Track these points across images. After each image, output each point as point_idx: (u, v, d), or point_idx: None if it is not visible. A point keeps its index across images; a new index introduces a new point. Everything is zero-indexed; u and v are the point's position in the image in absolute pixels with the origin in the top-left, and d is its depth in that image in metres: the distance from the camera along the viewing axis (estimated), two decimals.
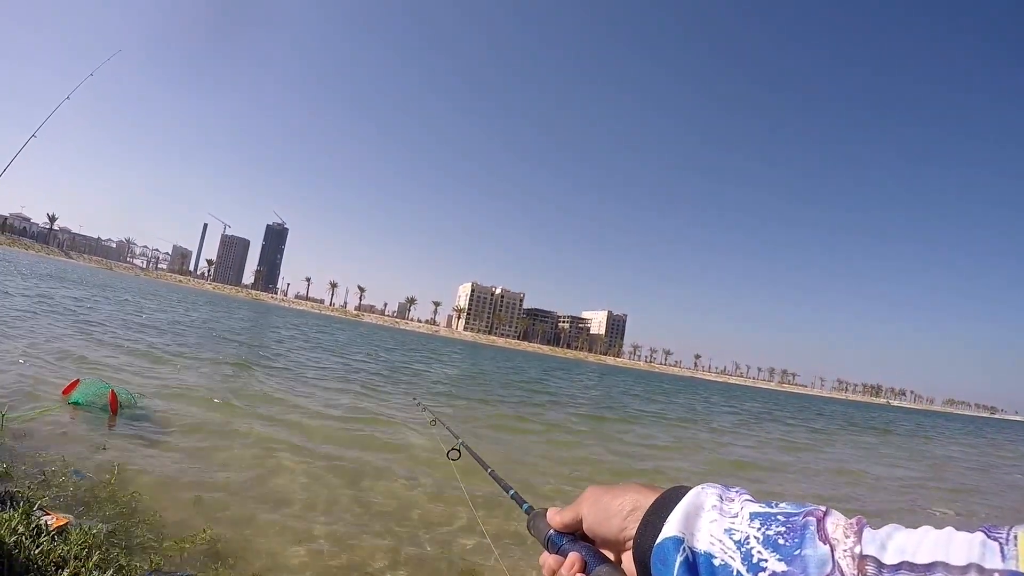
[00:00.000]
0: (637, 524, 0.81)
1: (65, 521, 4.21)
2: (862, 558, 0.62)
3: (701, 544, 0.73)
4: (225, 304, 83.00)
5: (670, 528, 0.75)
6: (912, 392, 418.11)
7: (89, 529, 4.20)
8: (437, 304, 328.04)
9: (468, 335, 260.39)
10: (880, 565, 0.60)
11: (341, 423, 10.92)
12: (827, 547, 0.64)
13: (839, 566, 0.62)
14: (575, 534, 0.95)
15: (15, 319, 16.91)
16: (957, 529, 0.60)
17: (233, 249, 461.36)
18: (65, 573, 3.49)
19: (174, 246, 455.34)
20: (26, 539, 3.64)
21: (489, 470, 1.77)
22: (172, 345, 18.60)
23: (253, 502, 6.12)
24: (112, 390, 8.48)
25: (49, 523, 4.09)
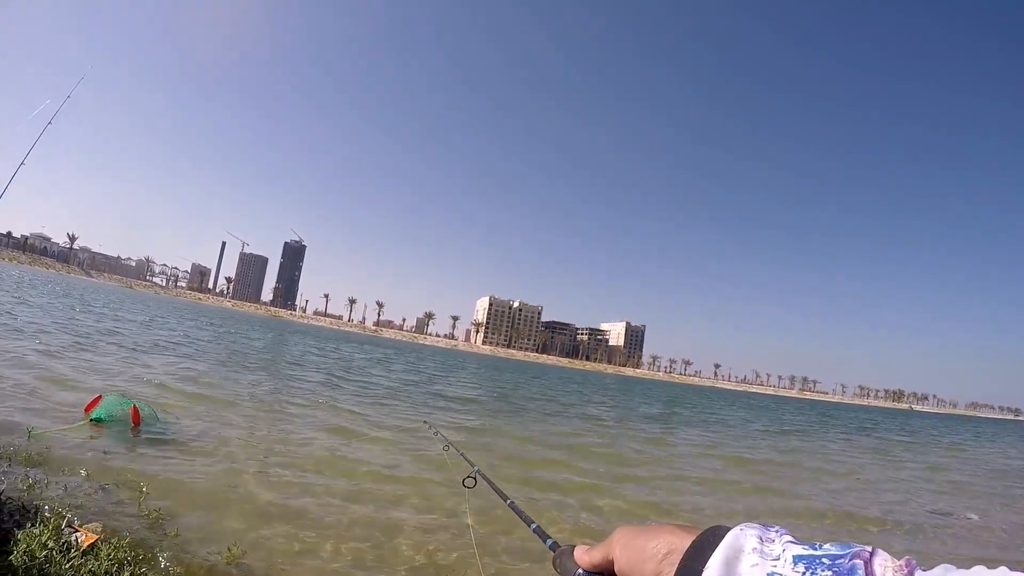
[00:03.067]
0: (674, 568, 0.77)
1: (95, 538, 4.22)
2: None
3: None
4: (259, 324, 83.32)
5: (710, 573, 0.71)
6: (935, 396, 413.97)
7: (118, 544, 4.21)
8: (455, 318, 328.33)
9: (487, 349, 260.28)
10: None
11: (371, 442, 10.92)
12: None
13: None
14: (604, 575, 0.91)
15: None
16: (1011, 569, 0.58)
17: (251, 266, 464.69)
18: None
19: (193, 264, 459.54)
20: (56, 554, 3.65)
21: (508, 501, 1.70)
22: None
23: (276, 520, 6.12)
24: (134, 405, 8.54)
25: (80, 540, 4.10)
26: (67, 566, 3.56)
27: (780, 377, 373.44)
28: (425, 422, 5.46)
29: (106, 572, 3.69)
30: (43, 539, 3.80)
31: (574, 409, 25.37)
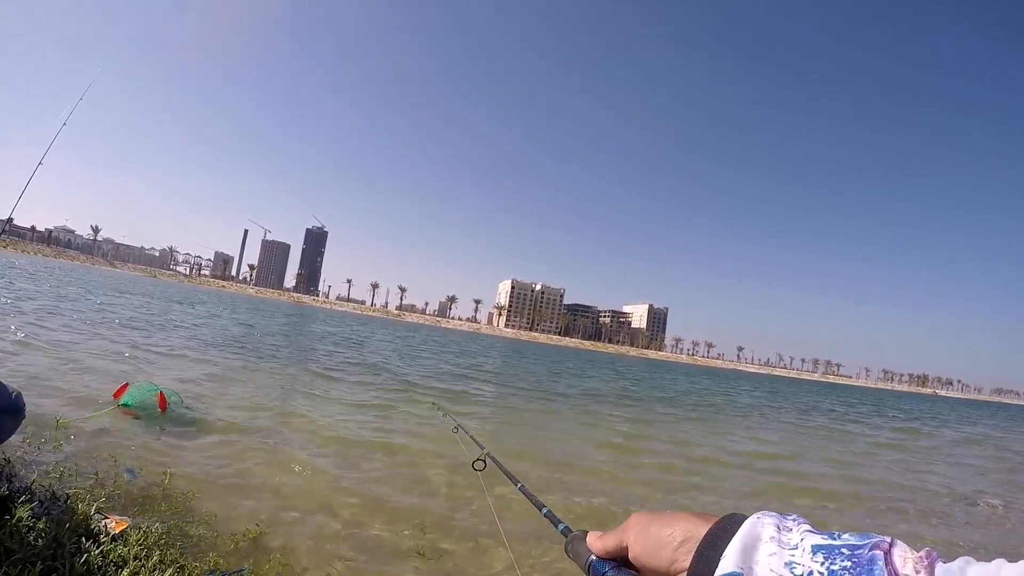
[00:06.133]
0: (690, 556, 0.76)
1: (125, 524, 4.26)
2: None
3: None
4: (283, 311, 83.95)
5: (727, 563, 0.70)
6: (960, 381, 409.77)
7: (148, 530, 4.25)
8: (478, 302, 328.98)
9: (509, 332, 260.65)
10: None
11: (394, 430, 10.98)
12: None
13: None
14: (617, 561, 0.90)
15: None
16: None
17: (274, 253, 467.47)
18: (125, 573, 3.52)
19: (216, 252, 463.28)
20: (86, 540, 3.69)
21: (519, 484, 1.67)
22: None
23: (302, 503, 6.15)
24: (160, 391, 8.62)
25: (110, 526, 4.14)
26: (96, 552, 3.60)
27: (803, 360, 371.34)
28: (433, 403, 5.43)
29: (135, 557, 3.73)
30: (73, 525, 3.84)
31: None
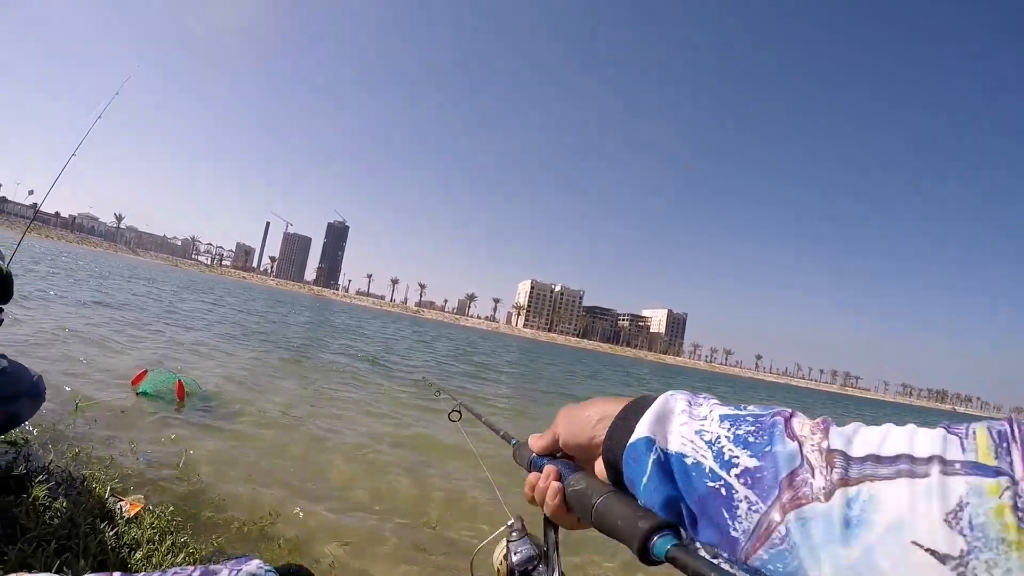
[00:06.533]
0: (607, 430, 0.84)
1: (139, 507, 4.33)
2: (830, 452, 0.62)
3: (673, 445, 0.75)
4: (304, 303, 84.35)
5: (641, 430, 0.77)
6: (979, 398, 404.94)
7: (161, 513, 4.32)
8: (497, 301, 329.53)
9: (527, 332, 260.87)
10: (847, 458, 0.60)
11: (413, 422, 11.03)
12: (795, 443, 0.65)
13: (808, 460, 0.63)
14: (555, 455, 0.99)
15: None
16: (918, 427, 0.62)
17: (295, 246, 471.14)
18: (138, 555, 3.59)
19: (237, 243, 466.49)
20: (100, 521, 3.77)
21: (484, 419, 1.78)
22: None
23: (313, 490, 6.21)
24: (179, 379, 8.72)
25: (124, 509, 4.22)
26: (111, 534, 3.67)
27: (822, 371, 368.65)
28: (424, 378, 5.53)
29: (148, 540, 3.80)
30: (87, 506, 3.92)
31: None
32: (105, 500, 4.22)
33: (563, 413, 0.96)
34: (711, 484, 0.69)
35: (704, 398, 0.81)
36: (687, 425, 0.75)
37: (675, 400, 0.80)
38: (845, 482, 0.59)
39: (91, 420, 6.81)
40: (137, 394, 8.46)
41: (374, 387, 14.23)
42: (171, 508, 4.58)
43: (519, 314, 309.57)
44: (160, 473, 5.62)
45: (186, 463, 5.97)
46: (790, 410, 0.72)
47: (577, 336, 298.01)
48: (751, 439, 0.69)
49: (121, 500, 4.38)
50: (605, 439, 0.84)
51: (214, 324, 22.39)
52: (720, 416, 0.74)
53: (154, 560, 3.60)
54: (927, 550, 0.51)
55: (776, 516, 0.62)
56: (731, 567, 0.66)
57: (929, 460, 0.56)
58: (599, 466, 0.87)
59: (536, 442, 1.03)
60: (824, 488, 0.60)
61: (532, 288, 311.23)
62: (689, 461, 0.72)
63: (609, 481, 0.84)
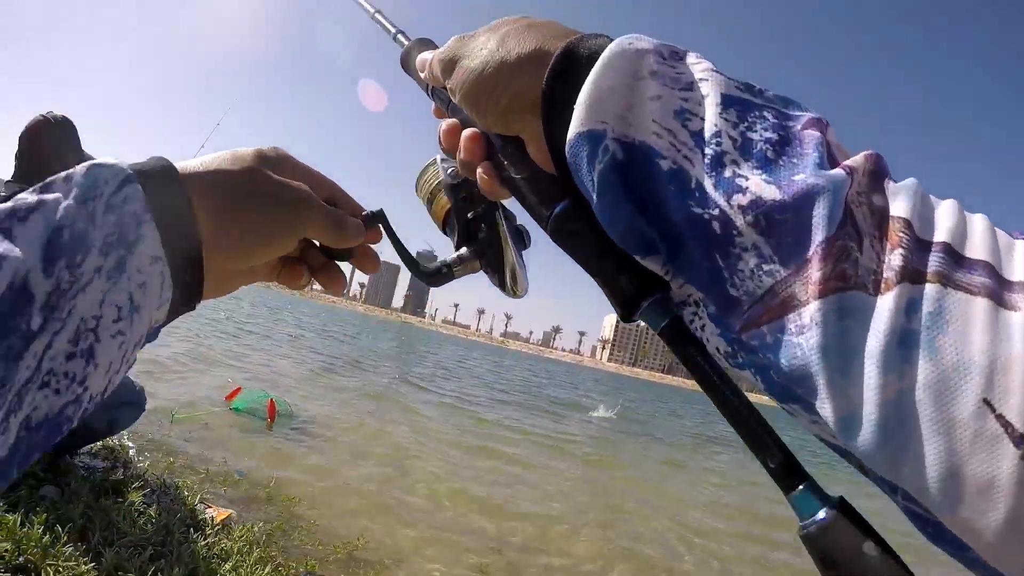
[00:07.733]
0: (540, 108, 0.51)
1: (228, 514, 4.36)
2: (892, 219, 0.39)
3: (638, 131, 0.45)
4: (395, 330, 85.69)
5: (581, 117, 0.46)
6: None
7: (251, 526, 4.34)
8: (582, 334, 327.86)
9: (611, 366, 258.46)
10: (915, 238, 0.38)
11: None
12: (844, 176, 0.40)
13: (854, 220, 0.39)
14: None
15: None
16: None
17: (384, 273, 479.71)
18: (227, 566, 3.59)
19: None
20: (193, 531, 3.81)
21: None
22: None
23: (409, 519, 6.18)
24: (271, 399, 8.82)
25: (214, 517, 4.25)
26: (203, 543, 3.70)
27: None
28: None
29: (238, 551, 3.81)
30: (181, 515, 3.97)
31: None
32: (196, 509, 4.26)
33: (455, 44, 0.60)
34: (697, 211, 0.42)
35: (690, 53, 0.48)
36: (661, 100, 0.45)
37: (639, 53, 0.46)
38: (909, 275, 0.36)
39: (185, 432, 6.95)
40: (230, 409, 8.61)
41: (472, 418, 14.19)
42: (261, 523, 4.60)
43: (604, 347, 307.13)
44: (251, 490, 5.66)
45: (277, 482, 6.00)
46: (820, 115, 0.45)
47: (662, 371, 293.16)
48: (769, 152, 0.41)
49: (209, 507, 4.42)
50: (543, 116, 0.50)
51: (315, 351, 22.69)
52: (722, 97, 0.44)
53: (241, 572, 3.60)
54: (1000, 419, 0.31)
55: (799, 292, 0.38)
56: (724, 343, 0.45)
57: (1022, 287, 0.35)
58: (535, 148, 0.55)
59: (424, 62, 0.69)
60: (875, 274, 0.38)
61: (618, 322, 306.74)
62: (664, 165, 0.43)
63: (557, 174, 0.54)
